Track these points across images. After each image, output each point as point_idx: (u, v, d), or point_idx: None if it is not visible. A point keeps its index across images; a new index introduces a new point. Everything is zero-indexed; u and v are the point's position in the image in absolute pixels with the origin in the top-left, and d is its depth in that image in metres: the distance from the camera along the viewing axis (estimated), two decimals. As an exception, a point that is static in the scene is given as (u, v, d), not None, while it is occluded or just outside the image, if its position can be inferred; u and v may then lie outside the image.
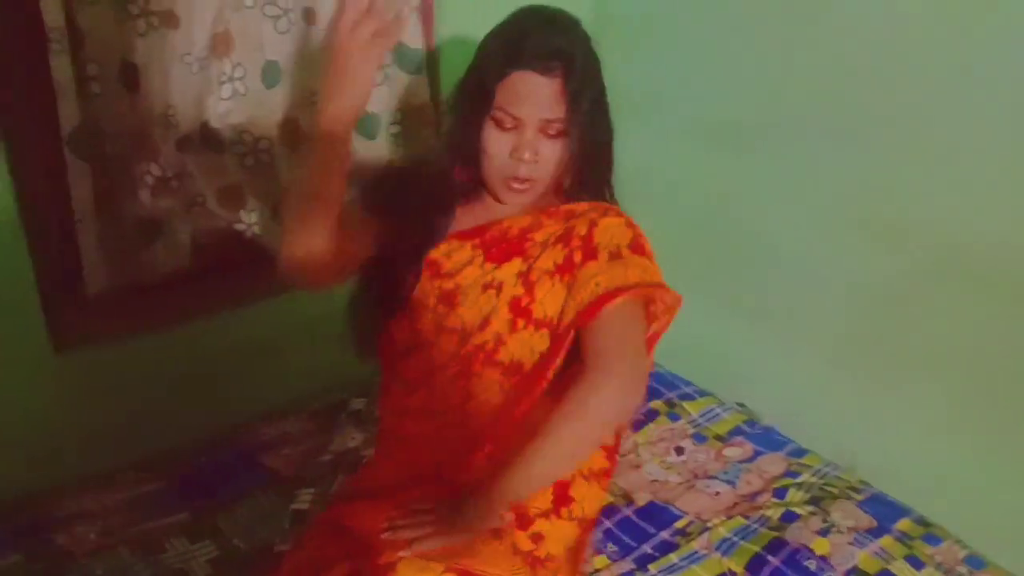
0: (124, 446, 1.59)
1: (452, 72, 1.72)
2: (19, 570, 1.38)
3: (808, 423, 1.75)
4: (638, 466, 1.70)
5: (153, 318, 1.59)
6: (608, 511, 1.55)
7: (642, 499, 1.62)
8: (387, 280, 1.29)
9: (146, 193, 1.49)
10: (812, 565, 1.43)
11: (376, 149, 1.71)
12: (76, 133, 1.36)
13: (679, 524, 1.56)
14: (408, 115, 1.73)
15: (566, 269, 1.23)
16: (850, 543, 1.46)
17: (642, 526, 1.56)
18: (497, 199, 1.26)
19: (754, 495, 1.62)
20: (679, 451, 1.74)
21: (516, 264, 1.24)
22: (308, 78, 1.59)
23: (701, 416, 1.83)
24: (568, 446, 1.17)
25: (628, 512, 1.59)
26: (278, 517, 1.51)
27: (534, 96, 1.17)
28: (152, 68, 1.40)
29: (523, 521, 1.27)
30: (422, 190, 1.30)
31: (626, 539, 1.53)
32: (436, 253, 1.28)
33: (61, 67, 1.31)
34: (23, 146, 1.38)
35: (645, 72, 1.77)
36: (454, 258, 1.27)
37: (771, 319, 1.82)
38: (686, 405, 1.85)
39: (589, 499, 1.33)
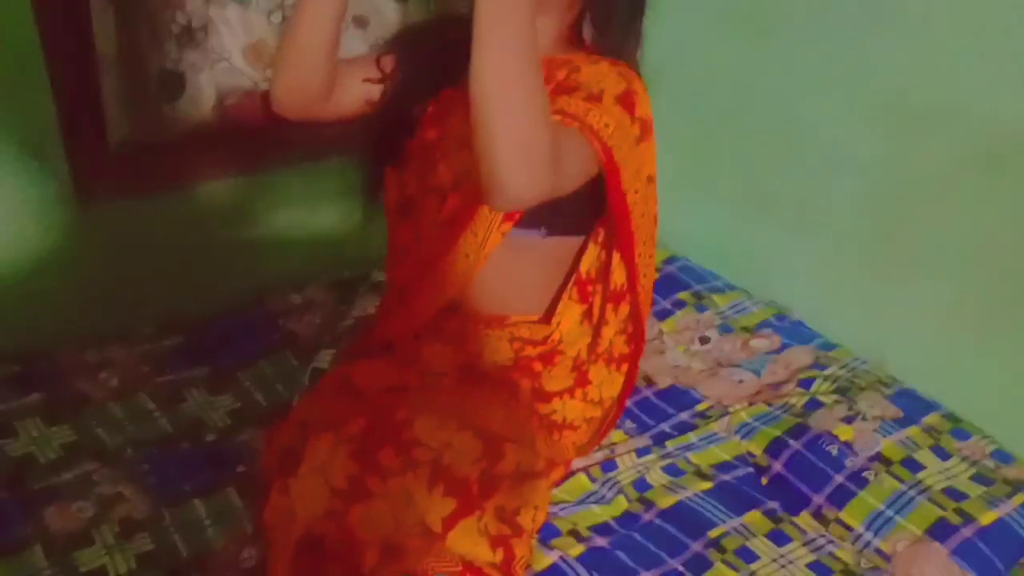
0: (146, 304, 1.60)
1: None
2: (38, 409, 1.40)
3: (839, 319, 1.70)
4: (661, 352, 1.67)
5: (176, 176, 1.57)
6: (627, 391, 1.52)
7: (664, 382, 1.59)
8: (391, 124, 1.26)
9: (171, 44, 1.46)
10: (834, 450, 1.40)
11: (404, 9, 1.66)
12: (101, -28, 1.34)
13: (700, 407, 1.54)
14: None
15: None
16: (875, 431, 1.43)
17: (661, 406, 1.54)
18: None
19: (778, 384, 1.59)
20: (704, 340, 1.71)
21: None
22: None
23: (729, 308, 1.78)
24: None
25: (648, 393, 1.57)
26: (298, 375, 1.52)
27: None
28: (179, -92, 1.36)
29: (541, 395, 1.27)
30: (448, 39, 1.26)
31: (644, 417, 1.51)
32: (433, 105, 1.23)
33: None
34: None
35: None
36: (441, 109, 1.22)
37: (802, 213, 1.75)
38: (715, 297, 1.80)
39: (608, 383, 1.33)
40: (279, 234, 1.72)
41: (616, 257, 1.23)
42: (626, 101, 1.11)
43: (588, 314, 1.27)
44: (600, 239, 1.24)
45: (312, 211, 1.74)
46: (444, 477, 1.10)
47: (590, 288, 1.26)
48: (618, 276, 1.24)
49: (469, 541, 1.12)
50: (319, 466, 1.09)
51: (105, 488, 1.28)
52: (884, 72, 1.54)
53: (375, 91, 1.24)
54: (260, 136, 1.63)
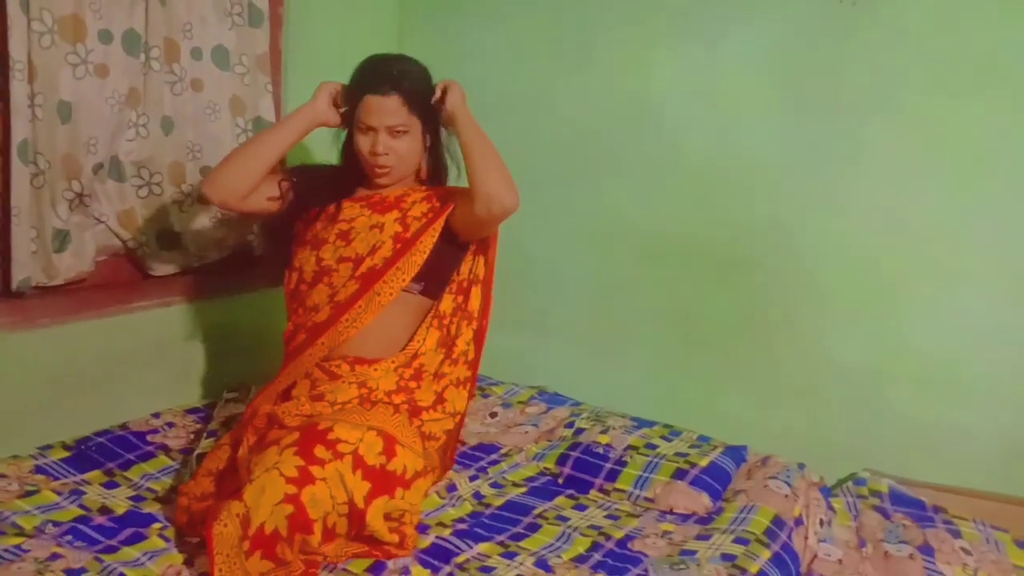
0: (25, 431, 1.79)
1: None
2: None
3: (581, 386, 2.38)
4: (465, 426, 2.18)
5: (61, 314, 1.86)
6: (448, 450, 2.01)
7: (473, 441, 2.10)
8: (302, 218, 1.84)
9: (64, 207, 1.83)
10: (600, 450, 1.99)
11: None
12: (22, 145, 1.71)
13: (503, 451, 2.07)
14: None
15: (433, 217, 1.78)
16: (623, 433, 2.06)
17: (477, 454, 2.04)
18: (373, 182, 1.83)
19: (552, 429, 2.17)
20: (493, 415, 2.26)
21: (394, 213, 1.80)
22: (192, 133, 2.06)
23: (506, 393, 2.37)
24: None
25: (465, 449, 2.06)
26: (179, 470, 1.80)
27: (379, 111, 1.75)
28: (83, 105, 1.81)
29: (415, 410, 1.75)
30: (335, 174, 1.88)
31: (467, 461, 2.00)
32: (337, 210, 1.81)
33: (18, 92, 1.69)
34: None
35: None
36: (347, 212, 1.81)
37: (544, 320, 2.47)
38: (493, 388, 2.39)
39: (457, 400, 1.86)
40: (137, 367, 2.02)
41: (475, 290, 1.84)
42: None
43: (444, 338, 1.82)
44: (454, 288, 1.83)
45: (164, 348, 2.07)
46: (361, 465, 1.52)
47: (447, 320, 1.82)
48: (474, 302, 1.85)
49: (378, 521, 1.52)
50: (272, 466, 1.45)
51: (39, 552, 1.45)
52: (582, 206, 2.36)
53: (275, 202, 1.81)
54: (126, 286, 1.99)
